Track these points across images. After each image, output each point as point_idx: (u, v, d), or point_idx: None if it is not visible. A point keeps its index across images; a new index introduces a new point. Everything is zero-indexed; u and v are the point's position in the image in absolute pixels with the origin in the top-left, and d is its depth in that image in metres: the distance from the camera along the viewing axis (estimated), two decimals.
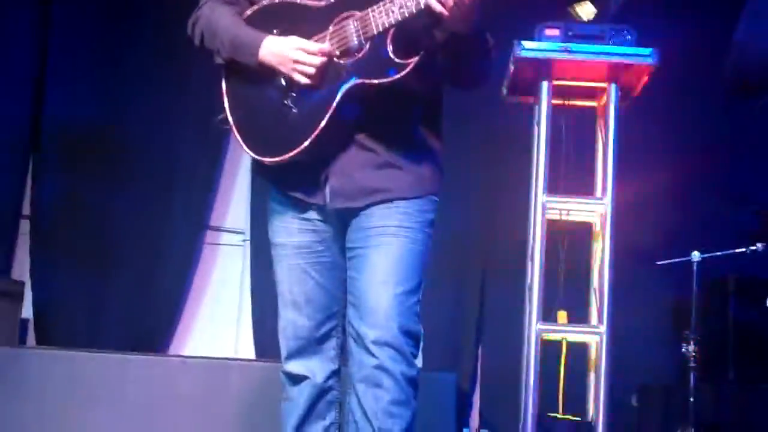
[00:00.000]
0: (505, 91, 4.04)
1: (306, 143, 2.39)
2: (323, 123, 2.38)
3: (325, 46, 2.40)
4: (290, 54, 2.40)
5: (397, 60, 2.32)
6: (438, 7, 2.25)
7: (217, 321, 5.01)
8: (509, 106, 4.17)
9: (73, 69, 4.93)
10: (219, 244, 5.03)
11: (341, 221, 2.51)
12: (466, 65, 2.44)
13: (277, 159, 2.44)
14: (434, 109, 2.56)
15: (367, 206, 2.46)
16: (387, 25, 2.33)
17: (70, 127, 4.87)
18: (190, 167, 4.92)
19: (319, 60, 2.39)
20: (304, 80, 2.40)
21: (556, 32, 3.84)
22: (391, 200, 2.46)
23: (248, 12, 2.53)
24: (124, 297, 4.84)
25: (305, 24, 2.44)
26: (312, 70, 2.39)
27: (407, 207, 2.47)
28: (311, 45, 2.40)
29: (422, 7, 2.27)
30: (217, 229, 5.03)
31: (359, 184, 2.44)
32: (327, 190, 2.46)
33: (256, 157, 2.49)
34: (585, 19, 3.98)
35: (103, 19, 4.97)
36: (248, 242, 4.91)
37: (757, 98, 2.71)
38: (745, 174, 4.55)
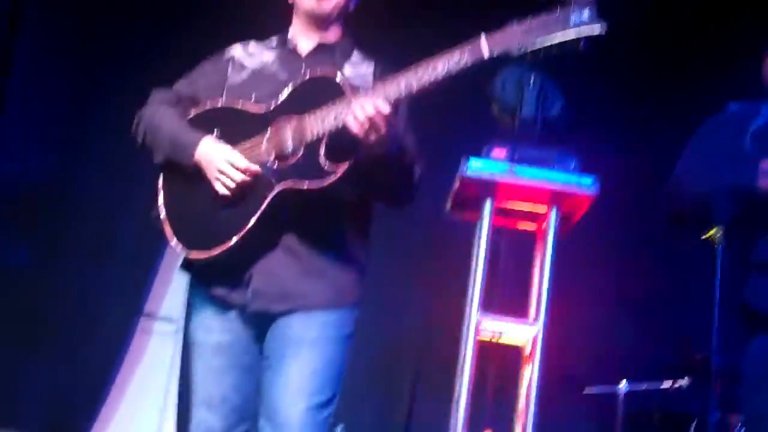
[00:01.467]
0: (448, 206, 4.09)
1: (233, 241, 2.42)
2: (252, 222, 2.41)
3: (253, 166, 2.44)
4: (218, 164, 2.44)
5: (328, 166, 2.37)
6: (354, 127, 2.31)
7: (142, 407, 4.92)
8: (452, 221, 4.22)
9: (23, 127, 4.91)
10: (151, 331, 4.98)
11: (261, 325, 2.51)
12: (386, 184, 2.49)
13: (203, 255, 2.46)
14: (363, 219, 2.60)
15: (287, 312, 2.47)
16: (321, 132, 2.38)
17: (8, 185, 4.82)
18: (132, 249, 4.89)
19: (240, 177, 2.43)
20: (222, 191, 2.44)
21: (503, 153, 3.92)
22: (311, 309, 2.47)
23: (191, 114, 2.59)
24: (48, 374, 4.74)
25: (244, 128, 2.49)
26: (232, 185, 2.43)
27: (327, 317, 2.48)
28: (240, 161, 2.44)
29: (355, 117, 2.32)
30: (151, 316, 4.98)
31: (281, 288, 2.46)
32: (249, 290, 2.47)
33: (184, 251, 2.50)
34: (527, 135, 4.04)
35: (59, 94, 4.99)
36: (180, 332, 4.86)
37: (690, 236, 2.79)
38: (677, 308, 4.62)
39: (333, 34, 2.66)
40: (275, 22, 2.72)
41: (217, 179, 2.45)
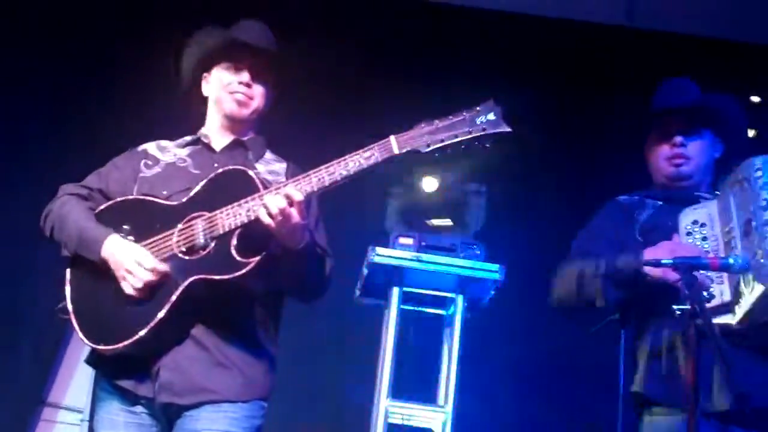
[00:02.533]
0: (358, 292, 4.14)
1: (142, 333, 2.41)
2: (161, 315, 2.41)
3: (161, 266, 2.45)
4: (126, 263, 2.45)
5: (239, 259, 2.40)
6: (266, 219, 2.35)
7: None
8: (361, 308, 4.26)
9: None
10: (56, 421, 4.85)
11: (168, 419, 2.49)
12: (298, 277, 2.53)
13: (111, 347, 2.45)
14: (273, 313, 2.63)
15: (196, 406, 2.46)
16: (233, 227, 2.42)
17: None
18: (37, 337, 4.78)
19: (148, 277, 2.44)
20: (129, 291, 2.45)
21: (410, 241, 4.00)
22: (219, 402, 2.47)
23: (102, 207, 2.59)
24: None
25: (156, 221, 2.51)
26: (139, 284, 2.44)
27: (235, 411, 2.48)
28: (148, 261, 2.45)
29: (267, 211, 2.37)
30: (56, 406, 4.86)
31: (189, 381, 2.45)
32: (157, 383, 2.46)
33: (91, 344, 2.48)
34: (428, 191, 4.14)
35: None
36: (86, 423, 4.74)
37: (572, 317, 2.88)
38: (585, 392, 4.70)
39: (247, 133, 2.73)
40: (186, 125, 2.77)
41: (124, 278, 2.45)
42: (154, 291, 2.45)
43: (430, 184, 4.24)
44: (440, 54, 5.10)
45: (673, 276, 2.38)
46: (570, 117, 5.12)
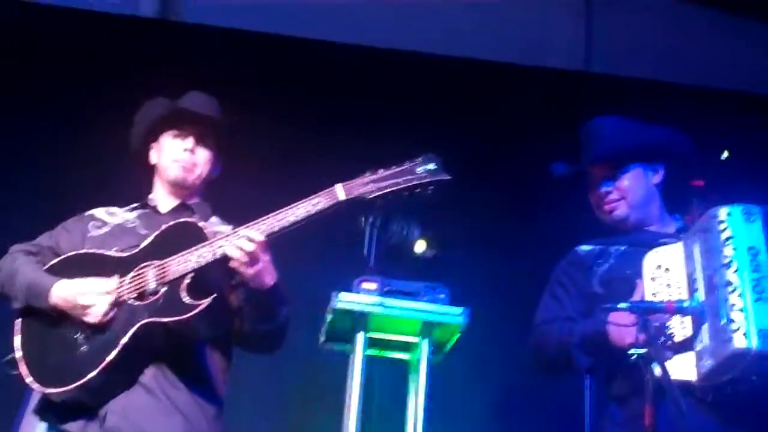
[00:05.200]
0: (322, 338, 4.13)
1: (92, 374, 2.44)
2: (111, 357, 2.45)
3: (112, 283, 2.46)
4: (79, 300, 2.47)
5: (188, 302, 2.42)
6: (234, 263, 2.39)
7: None
8: (327, 354, 4.24)
9: None
10: None
11: None
12: (264, 321, 2.57)
13: (61, 390, 2.45)
14: (224, 359, 2.65)
15: None
16: (183, 272, 2.47)
17: None
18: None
19: (107, 299, 2.45)
20: (93, 320, 2.48)
21: (373, 286, 4.00)
22: None
23: (52, 261, 2.61)
24: None
25: (106, 272, 2.54)
26: (102, 309, 2.43)
27: None
28: (98, 286, 2.47)
29: (218, 256, 2.42)
30: None
31: (136, 426, 2.48)
32: (104, 428, 2.46)
33: (42, 388, 2.49)
34: (419, 252, 4.16)
35: None
36: None
37: (555, 375, 2.92)
38: None
39: (193, 198, 2.79)
40: (137, 192, 2.81)
41: (84, 313, 2.46)
42: (105, 332, 2.46)
43: (393, 228, 4.26)
44: (386, 102, 5.16)
45: (630, 339, 2.42)
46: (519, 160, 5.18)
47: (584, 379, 2.84)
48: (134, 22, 5.37)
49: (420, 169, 2.54)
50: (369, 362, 3.99)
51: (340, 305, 3.90)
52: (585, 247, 2.92)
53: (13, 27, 5.08)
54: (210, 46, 5.09)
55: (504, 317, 4.66)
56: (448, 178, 2.55)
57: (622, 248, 2.90)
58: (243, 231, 2.45)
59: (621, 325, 2.49)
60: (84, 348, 2.49)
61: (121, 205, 2.86)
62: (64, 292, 2.51)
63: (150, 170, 2.83)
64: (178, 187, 2.78)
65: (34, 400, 4.68)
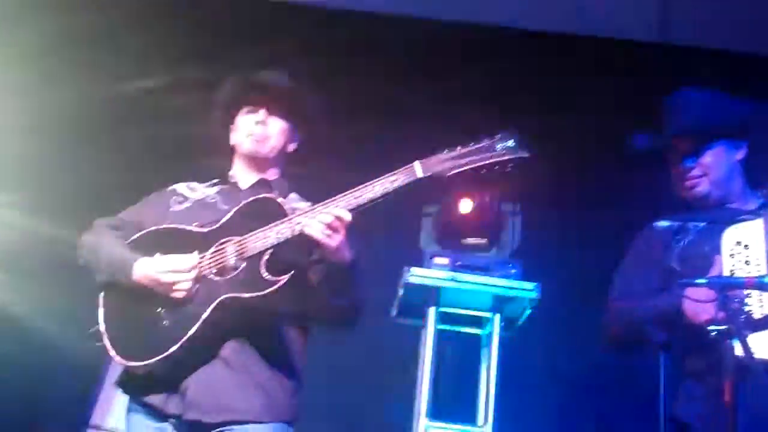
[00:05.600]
0: (394, 312, 4.16)
1: (173, 348, 2.47)
2: (192, 331, 2.48)
3: (194, 259, 2.53)
4: (162, 278, 2.52)
5: (268, 277, 2.46)
6: (317, 228, 2.42)
7: None
8: (397, 328, 4.27)
9: None
10: None
11: None
12: (336, 299, 2.58)
13: (142, 363, 2.50)
14: (302, 336, 2.68)
15: (222, 425, 2.50)
16: (262, 248, 2.49)
17: None
18: (78, 362, 4.84)
19: (190, 276, 2.51)
20: (177, 296, 2.51)
21: (445, 261, 4.02)
22: (244, 422, 2.51)
23: (135, 236, 2.66)
24: None
25: (186, 248, 2.58)
26: (187, 285, 2.51)
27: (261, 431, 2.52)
28: (180, 263, 2.53)
29: (297, 232, 2.44)
30: (98, 429, 4.91)
31: (216, 399, 2.50)
32: (185, 400, 2.50)
33: (124, 361, 2.54)
34: (463, 212, 4.15)
35: None
36: None
37: (626, 353, 2.89)
38: (622, 413, 4.67)
39: (272, 173, 2.81)
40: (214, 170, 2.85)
41: (170, 289, 2.51)
42: (186, 306, 2.51)
43: (465, 205, 4.25)
44: (462, 77, 5.12)
45: (707, 315, 2.38)
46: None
47: (659, 355, 2.80)
48: None
49: (499, 146, 2.50)
50: (441, 337, 4.03)
51: (412, 280, 3.93)
52: (663, 223, 2.85)
53: None
54: (287, 22, 5.10)
55: (577, 292, 4.61)
56: (528, 155, 2.50)
57: (701, 225, 2.82)
58: (324, 208, 2.46)
59: (699, 301, 2.44)
60: (165, 322, 2.53)
61: (202, 181, 2.89)
62: (147, 269, 2.55)
63: (230, 150, 2.87)
64: (253, 160, 2.79)
65: (114, 373, 4.83)
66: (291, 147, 2.84)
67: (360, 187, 2.48)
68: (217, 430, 2.50)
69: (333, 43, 4.89)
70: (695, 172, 2.80)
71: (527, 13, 5.08)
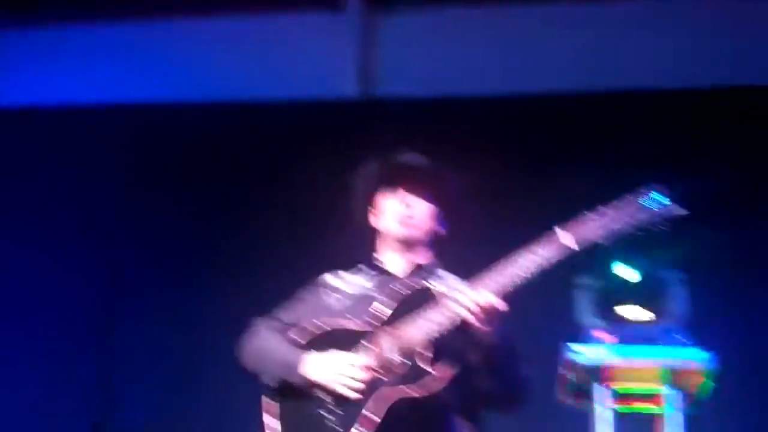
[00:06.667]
0: (558, 393, 3.92)
1: None
2: None
3: (362, 357, 2.46)
4: (338, 369, 2.46)
5: (435, 373, 2.38)
6: (471, 315, 2.34)
7: None
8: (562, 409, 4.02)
9: None
10: None
11: None
12: (497, 383, 2.45)
13: None
14: (474, 425, 2.54)
15: None
16: (424, 341, 2.41)
17: None
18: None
19: (360, 374, 2.44)
20: (352, 395, 2.44)
21: (607, 335, 3.79)
22: None
23: (298, 340, 2.61)
24: None
25: (350, 346, 2.51)
26: (360, 386, 2.43)
27: None
28: (356, 359, 2.47)
29: (457, 322, 2.36)
30: None
31: None
32: None
33: None
34: (621, 280, 3.94)
35: None
36: None
37: None
38: None
39: (423, 256, 2.71)
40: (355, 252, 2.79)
41: (342, 384, 2.44)
42: (351, 409, 2.42)
43: (623, 271, 4.01)
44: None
45: None
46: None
47: None
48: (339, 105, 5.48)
49: (648, 204, 2.33)
50: (615, 416, 3.75)
51: (574, 357, 3.70)
52: None
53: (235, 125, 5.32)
54: (410, 116, 5.12)
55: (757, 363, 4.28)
56: (685, 213, 2.31)
57: None
58: (476, 294, 2.35)
59: None
60: (331, 423, 2.44)
61: (343, 268, 2.81)
62: (321, 363, 2.49)
63: (373, 233, 2.80)
64: (404, 244, 2.70)
65: None
66: (442, 229, 2.75)
67: (510, 263, 2.37)
68: None
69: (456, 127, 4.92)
70: None
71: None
